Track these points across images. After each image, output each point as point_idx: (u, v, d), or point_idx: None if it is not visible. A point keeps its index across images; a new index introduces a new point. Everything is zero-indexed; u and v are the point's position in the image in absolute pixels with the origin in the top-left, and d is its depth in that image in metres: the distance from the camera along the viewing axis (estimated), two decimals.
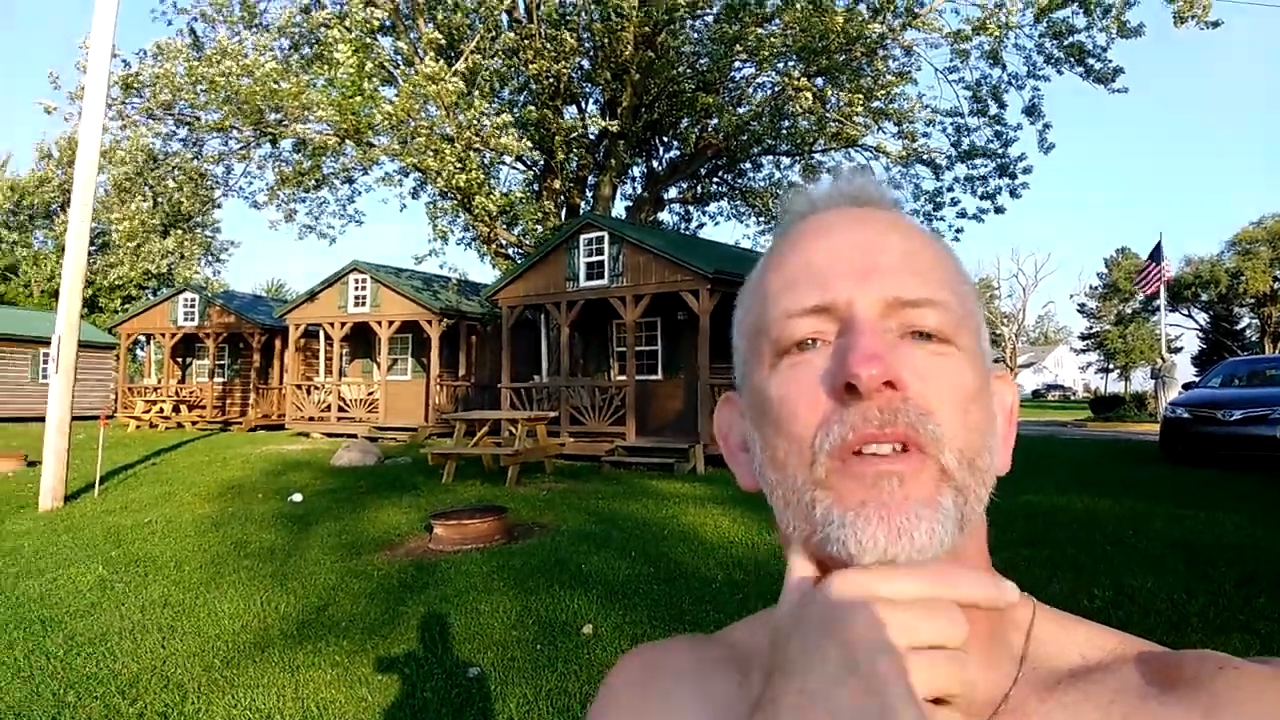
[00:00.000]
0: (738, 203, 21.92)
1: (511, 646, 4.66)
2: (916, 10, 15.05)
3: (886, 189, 0.57)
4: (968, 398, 0.50)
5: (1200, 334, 54.85)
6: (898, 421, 0.48)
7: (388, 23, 15.63)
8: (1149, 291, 24.85)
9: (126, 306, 34.41)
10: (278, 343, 23.37)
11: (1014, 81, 16.44)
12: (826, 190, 0.58)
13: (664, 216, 21.78)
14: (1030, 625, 0.55)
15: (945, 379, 0.50)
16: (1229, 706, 0.46)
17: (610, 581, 5.91)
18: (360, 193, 19.36)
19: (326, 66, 14.23)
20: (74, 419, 10.67)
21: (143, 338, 26.05)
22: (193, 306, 23.33)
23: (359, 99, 13.48)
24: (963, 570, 0.46)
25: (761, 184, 20.95)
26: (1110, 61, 15.25)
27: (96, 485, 10.73)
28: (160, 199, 16.92)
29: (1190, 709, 0.47)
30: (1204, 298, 52.30)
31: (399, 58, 16.66)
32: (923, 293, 0.51)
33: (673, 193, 21.37)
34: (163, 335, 23.93)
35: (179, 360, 25.05)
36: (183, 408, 22.76)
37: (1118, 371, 64.10)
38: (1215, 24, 13.73)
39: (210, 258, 41.74)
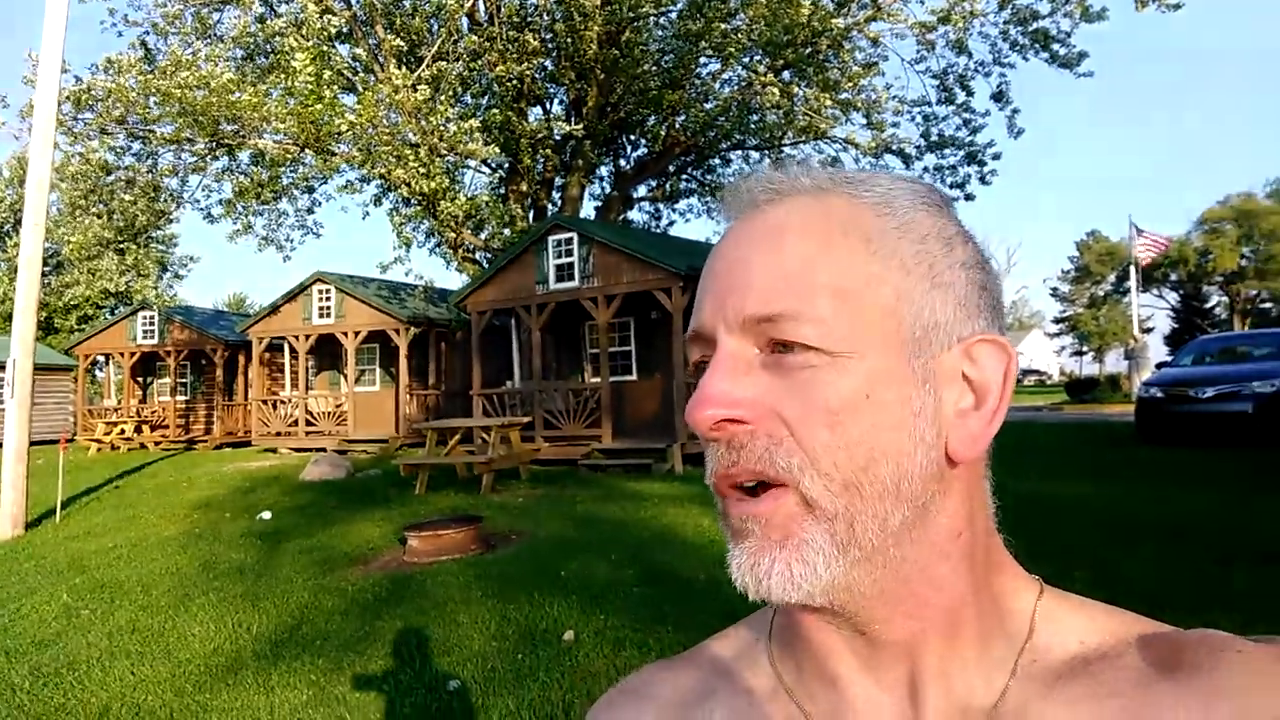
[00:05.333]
0: (708, 199, 21.87)
1: (492, 657, 4.57)
2: (880, 2, 15.10)
3: (777, 181, 0.53)
4: (837, 411, 0.46)
5: (1171, 313, 55.77)
6: (742, 459, 0.48)
7: (345, 29, 15.41)
8: (1151, 257, 25.53)
9: (83, 327, 33.62)
10: (241, 358, 22.96)
11: (980, 69, 16.60)
12: (729, 202, 0.55)
13: (634, 215, 21.73)
14: (1034, 612, 0.52)
15: (805, 396, 0.47)
16: (1230, 692, 0.45)
17: (590, 586, 5.82)
18: (320, 203, 19.11)
19: (284, 75, 14.01)
20: (32, 444, 10.44)
21: (101, 358, 25.51)
22: (152, 324, 22.85)
23: (319, 107, 13.27)
24: None
25: (731, 179, 20.81)
26: (1074, 46, 15.43)
27: (58, 511, 10.46)
28: (114, 214, 16.57)
29: (1191, 695, 0.45)
30: (1173, 277, 53.18)
31: (358, 65, 16.45)
32: (779, 305, 0.48)
33: (642, 191, 21.31)
34: (121, 355, 23.45)
35: (139, 380, 24.56)
36: (145, 428, 22.27)
37: (1092, 354, 64.53)
38: (1177, 6, 13.90)
39: (168, 273, 41.11)
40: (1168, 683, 0.46)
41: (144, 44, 15.82)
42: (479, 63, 16.09)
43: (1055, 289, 62.90)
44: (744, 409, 0.48)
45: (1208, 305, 54.23)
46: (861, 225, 0.50)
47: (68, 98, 13.89)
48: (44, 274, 11.87)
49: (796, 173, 0.53)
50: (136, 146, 16.38)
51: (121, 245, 17.49)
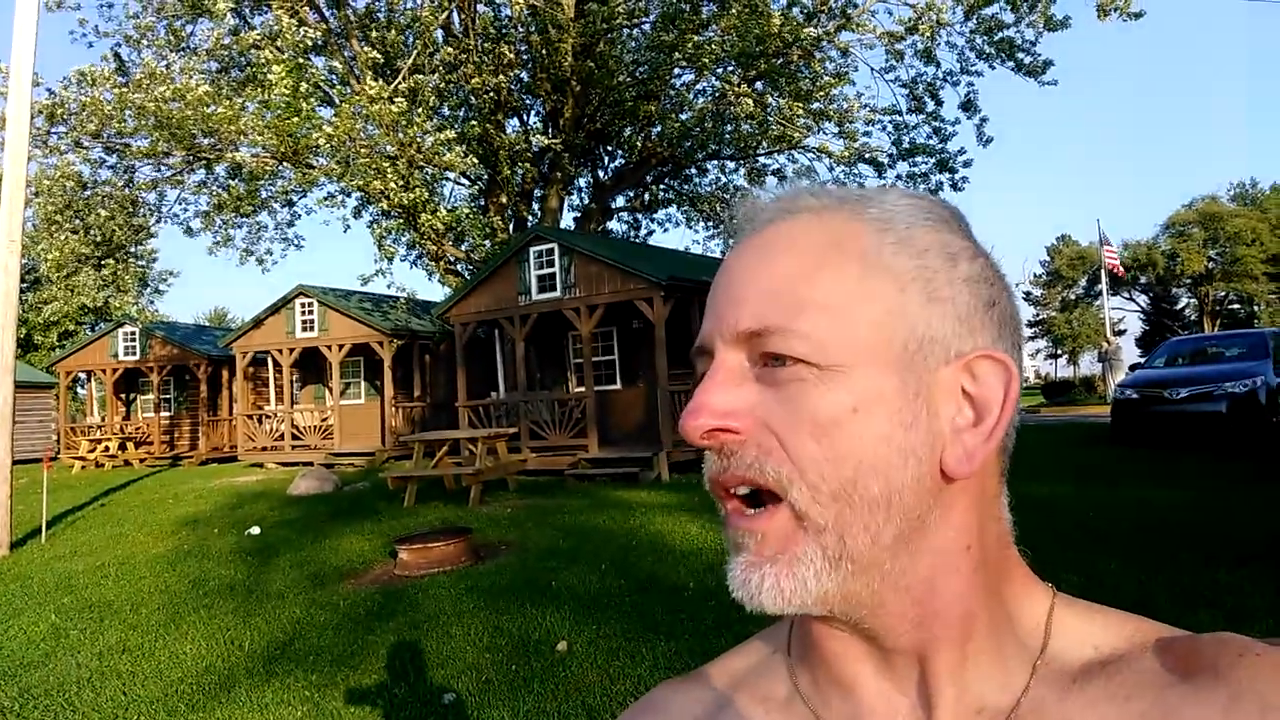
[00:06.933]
0: (686, 209, 22.00)
1: (486, 669, 4.60)
2: (850, 12, 15.29)
3: (783, 200, 0.54)
4: (824, 423, 0.47)
5: (1142, 316, 56.57)
6: (733, 466, 0.49)
7: (321, 42, 15.40)
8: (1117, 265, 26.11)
9: (63, 343, 33.30)
10: (225, 373, 22.80)
11: (949, 78, 16.84)
12: (737, 220, 0.56)
13: (613, 225, 21.81)
14: (1049, 619, 0.53)
15: (793, 408, 0.48)
16: (1251, 696, 0.44)
17: (581, 596, 5.86)
18: (301, 215, 19.11)
19: (260, 88, 13.98)
20: (15, 463, 10.33)
21: (83, 375, 25.25)
22: (133, 340, 22.66)
23: (296, 120, 13.25)
24: None
25: (708, 189, 21.05)
26: (1040, 55, 15.70)
27: (43, 530, 10.37)
28: (91, 229, 16.46)
29: (1210, 699, 0.45)
30: (1143, 280, 53.88)
31: (334, 77, 16.44)
32: (769, 319, 0.49)
33: (620, 201, 21.40)
34: (103, 371, 23.23)
35: (122, 396, 24.32)
36: (129, 445, 22.06)
37: (1066, 356, 65.43)
38: (1138, 15, 14.16)
39: (148, 288, 40.72)
40: (1187, 686, 0.46)
41: (117, 55, 15.75)
42: (455, 75, 16.12)
43: (1029, 293, 63.54)
44: (734, 419, 0.49)
45: (1178, 307, 55.01)
46: (858, 241, 0.51)
47: (40, 111, 13.81)
48: (21, 290, 11.78)
49: (803, 192, 0.54)
50: (112, 160, 16.31)
51: (100, 261, 17.35)
